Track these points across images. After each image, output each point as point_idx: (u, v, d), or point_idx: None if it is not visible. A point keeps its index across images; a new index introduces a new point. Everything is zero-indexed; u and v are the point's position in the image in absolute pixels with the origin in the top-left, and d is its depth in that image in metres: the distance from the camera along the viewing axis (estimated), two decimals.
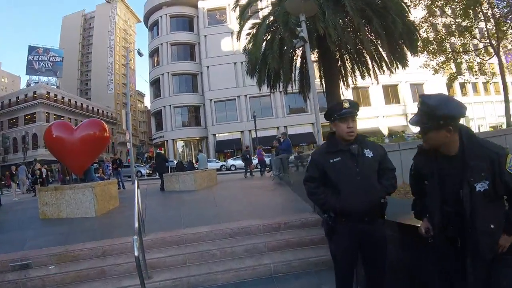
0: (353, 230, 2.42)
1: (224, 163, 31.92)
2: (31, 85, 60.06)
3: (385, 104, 40.76)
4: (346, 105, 2.47)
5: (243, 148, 38.11)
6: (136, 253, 3.45)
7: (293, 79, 15.78)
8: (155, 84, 44.23)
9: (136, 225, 3.88)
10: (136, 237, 3.66)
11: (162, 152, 13.18)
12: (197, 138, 41.56)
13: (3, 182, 19.79)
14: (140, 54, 21.58)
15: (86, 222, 7.04)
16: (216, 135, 39.84)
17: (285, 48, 12.93)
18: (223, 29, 41.21)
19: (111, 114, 67.92)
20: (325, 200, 2.53)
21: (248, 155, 16.60)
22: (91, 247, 4.86)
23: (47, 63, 63.07)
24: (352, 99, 3.93)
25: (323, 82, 15.21)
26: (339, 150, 2.51)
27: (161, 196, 11.10)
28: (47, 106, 50.70)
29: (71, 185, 8.59)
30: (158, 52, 43.26)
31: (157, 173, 14.37)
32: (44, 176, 16.44)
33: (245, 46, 15.73)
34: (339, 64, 14.96)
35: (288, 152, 11.17)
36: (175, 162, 20.45)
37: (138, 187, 4.70)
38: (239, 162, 29.11)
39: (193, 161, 17.07)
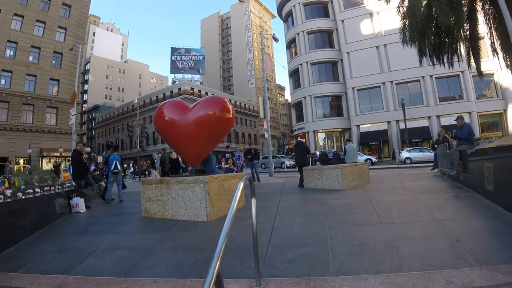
0: None
1: (370, 157, 31.38)
2: (176, 82, 70.12)
3: None
4: None
5: (391, 141, 36.51)
6: None
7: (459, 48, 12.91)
8: (295, 74, 46.83)
9: None
10: None
11: (304, 141, 11.95)
12: (340, 129, 42.70)
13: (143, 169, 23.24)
14: (275, 39, 24.05)
15: (189, 230, 6.15)
16: (360, 126, 40.10)
17: None
18: (361, 11, 41.12)
19: (253, 107, 74.31)
20: None
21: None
22: None
23: (190, 62, 74.38)
24: None
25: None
26: None
27: (298, 195, 9.65)
28: (191, 101, 57.15)
29: (179, 177, 7.44)
30: (295, 42, 45.77)
31: (296, 166, 12.93)
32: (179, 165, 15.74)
33: (398, 6, 13.23)
34: None
35: (469, 143, 8.84)
36: (318, 153, 20.35)
37: (254, 208, 3.66)
38: (416, 154, 27.74)
39: (340, 152, 15.62)
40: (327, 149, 41.61)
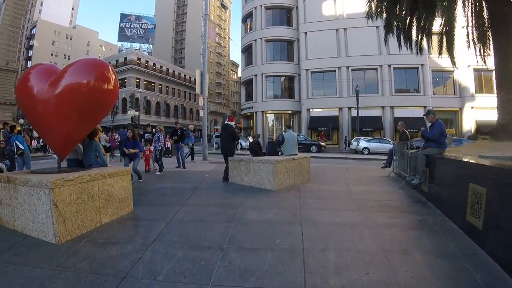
0: None
1: (318, 142, 29.85)
2: (123, 51, 65.48)
3: None
4: None
5: (341, 128, 35.51)
6: None
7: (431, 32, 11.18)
8: (247, 51, 44.27)
9: None
10: None
11: (232, 124, 9.61)
12: (290, 111, 40.92)
13: None
14: (223, 6, 21.34)
15: (29, 256, 4.01)
16: (311, 110, 38.45)
17: None
18: None
19: None
20: None
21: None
22: None
23: (139, 30, 69.46)
24: None
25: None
26: None
27: (212, 197, 7.20)
28: (137, 71, 55.01)
29: (25, 176, 4.88)
30: (252, 17, 42.90)
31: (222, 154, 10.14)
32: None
33: None
34: None
35: (439, 145, 6.95)
36: (250, 139, 18.43)
37: None
38: (375, 145, 26.51)
39: (276, 140, 12.88)
40: (275, 132, 40.03)
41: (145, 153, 11.83)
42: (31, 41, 77.39)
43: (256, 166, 8.24)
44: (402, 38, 11.62)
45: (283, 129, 34.03)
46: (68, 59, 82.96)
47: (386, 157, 12.24)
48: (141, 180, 9.17)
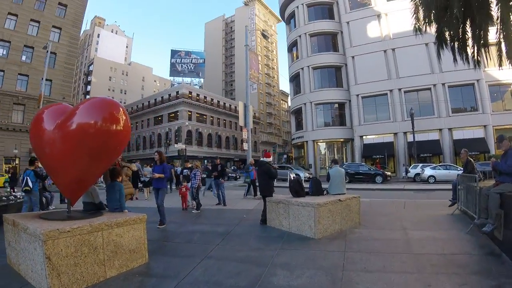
0: None
1: (381, 171, 27.08)
2: (174, 85, 68.55)
3: None
4: None
5: (397, 154, 33.40)
6: None
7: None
8: (295, 79, 43.84)
9: None
10: None
11: (269, 160, 8.73)
12: (342, 139, 39.34)
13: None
14: (264, 35, 21.69)
15: None
16: (364, 137, 36.58)
17: None
18: (368, 12, 37.78)
19: (254, 113, 71.26)
20: None
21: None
22: None
23: (189, 65, 73.06)
24: None
25: None
26: None
27: (241, 248, 6.12)
28: (189, 104, 56.47)
29: (25, 223, 4.60)
30: (297, 45, 42.73)
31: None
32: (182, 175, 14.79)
33: None
34: None
35: None
36: (304, 175, 17.06)
37: None
38: (441, 172, 23.81)
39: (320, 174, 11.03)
40: (327, 161, 38.48)
41: (181, 190, 11.38)
42: (89, 77, 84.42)
43: (296, 209, 7.13)
44: (456, 49, 10.17)
45: (329, 164, 32.23)
46: (125, 93, 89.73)
47: (449, 186, 10.51)
48: (162, 226, 8.01)
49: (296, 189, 7.99)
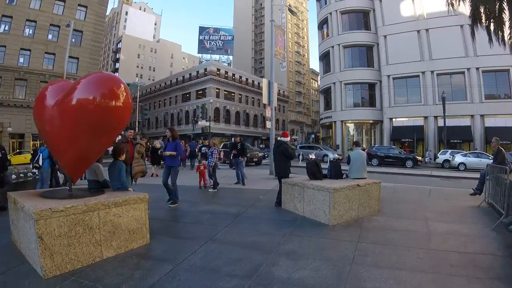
0: None
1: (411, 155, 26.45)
2: (202, 62, 68.31)
3: None
4: None
5: (426, 139, 32.69)
6: None
7: None
8: (325, 58, 42.88)
9: None
10: None
11: (287, 140, 8.29)
12: (371, 121, 38.48)
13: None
14: (291, 11, 21.69)
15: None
16: (394, 119, 35.59)
17: None
18: None
19: (283, 92, 71.09)
20: None
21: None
22: None
23: (218, 42, 72.61)
24: None
25: None
26: None
27: (252, 228, 6.07)
28: (216, 82, 56.59)
29: (23, 201, 4.64)
30: (327, 23, 41.55)
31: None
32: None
33: None
34: None
35: None
36: (333, 156, 16.69)
37: None
38: (473, 160, 23.35)
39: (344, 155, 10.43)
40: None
41: (199, 168, 11.46)
42: (117, 54, 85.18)
43: (311, 193, 6.77)
44: (492, 29, 9.65)
45: (350, 147, 31.59)
46: (153, 71, 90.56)
47: (477, 175, 9.94)
48: (174, 205, 7.85)
49: (313, 171, 7.61)
